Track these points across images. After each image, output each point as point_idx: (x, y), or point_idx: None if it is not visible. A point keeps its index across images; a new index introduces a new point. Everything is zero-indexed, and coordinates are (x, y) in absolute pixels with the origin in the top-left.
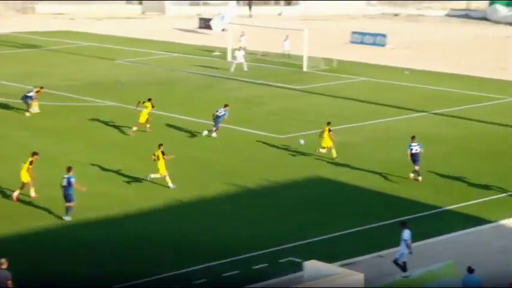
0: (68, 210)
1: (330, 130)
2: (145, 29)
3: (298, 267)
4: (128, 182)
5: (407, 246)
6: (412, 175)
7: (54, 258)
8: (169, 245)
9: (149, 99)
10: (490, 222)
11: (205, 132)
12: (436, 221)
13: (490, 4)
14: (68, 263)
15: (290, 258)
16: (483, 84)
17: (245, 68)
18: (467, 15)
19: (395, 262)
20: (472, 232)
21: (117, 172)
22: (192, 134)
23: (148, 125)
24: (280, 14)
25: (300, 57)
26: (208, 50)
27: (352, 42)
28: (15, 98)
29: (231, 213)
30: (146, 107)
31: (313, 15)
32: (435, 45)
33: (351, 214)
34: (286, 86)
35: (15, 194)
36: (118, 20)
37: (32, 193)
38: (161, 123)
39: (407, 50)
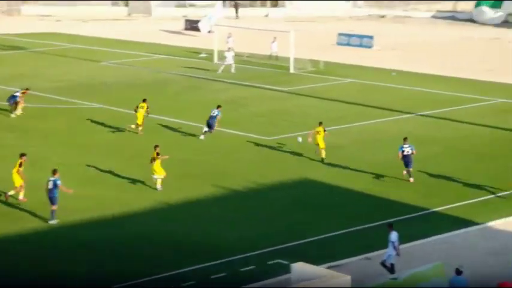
0: (53, 213)
1: (324, 130)
2: (131, 31)
3: (286, 269)
4: (116, 184)
5: (395, 248)
6: (405, 172)
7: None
8: (150, 247)
9: (144, 100)
10: (478, 223)
11: (201, 137)
12: (424, 223)
13: (476, 6)
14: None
15: (278, 260)
16: (470, 86)
17: (232, 70)
18: (453, 17)
19: (383, 264)
20: (460, 234)
21: (104, 174)
22: (180, 136)
23: (140, 128)
24: (266, 16)
25: (287, 59)
26: (195, 52)
27: (339, 43)
28: (0, 100)
29: (219, 215)
30: (142, 107)
31: (300, 16)
32: (422, 47)
33: (339, 216)
34: (273, 87)
35: (8, 193)
36: (104, 21)
37: (21, 196)
38: (148, 125)
39: (394, 52)
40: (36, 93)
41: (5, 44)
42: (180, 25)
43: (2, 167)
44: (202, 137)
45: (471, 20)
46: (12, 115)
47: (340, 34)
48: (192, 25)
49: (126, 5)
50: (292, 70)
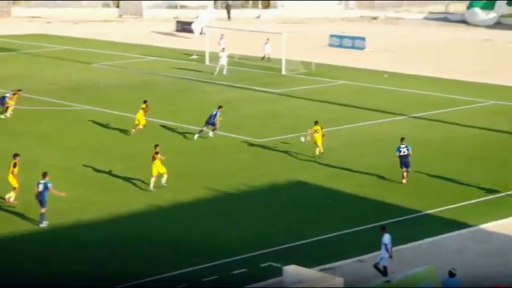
0: (43, 216)
1: (322, 128)
2: (122, 32)
3: (278, 272)
4: (112, 185)
5: (388, 250)
6: (405, 175)
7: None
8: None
9: (145, 101)
10: (470, 226)
11: (196, 135)
12: (416, 225)
13: (468, 7)
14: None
15: (270, 263)
16: (462, 88)
17: (225, 72)
18: (445, 19)
19: (376, 266)
20: (452, 236)
21: (100, 175)
22: (173, 138)
23: (133, 130)
24: (258, 17)
25: (279, 61)
26: (186, 54)
27: (331, 45)
28: None
29: (209, 217)
30: (142, 108)
31: (292, 18)
32: (414, 48)
33: (331, 218)
34: (264, 89)
35: (8, 196)
36: (95, 23)
37: (12, 198)
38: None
39: (386, 53)
40: (27, 95)
41: None
42: (172, 26)
43: None
44: (196, 136)
45: (463, 22)
46: (2, 116)
47: (332, 36)
48: (184, 26)
49: (117, 6)
50: (284, 72)
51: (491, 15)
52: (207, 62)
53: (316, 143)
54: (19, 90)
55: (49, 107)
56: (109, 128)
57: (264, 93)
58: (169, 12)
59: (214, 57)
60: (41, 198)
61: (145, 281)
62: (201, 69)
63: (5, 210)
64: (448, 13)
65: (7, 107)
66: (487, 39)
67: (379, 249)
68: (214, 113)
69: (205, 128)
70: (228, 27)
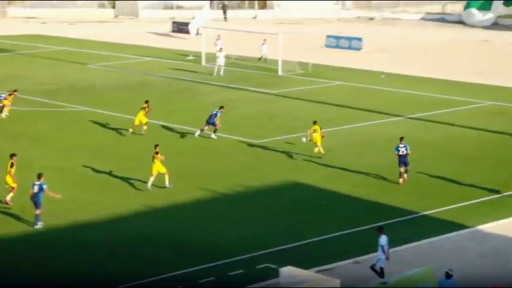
0: (37, 217)
1: (320, 128)
2: (118, 33)
3: (275, 274)
4: (110, 185)
5: (384, 251)
6: (405, 176)
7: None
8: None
9: (146, 101)
10: (467, 227)
11: (198, 132)
12: (413, 226)
13: (465, 8)
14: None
15: (266, 265)
16: (459, 88)
17: (221, 72)
18: (442, 19)
19: (373, 268)
20: (449, 237)
21: (97, 176)
22: (169, 138)
23: (131, 130)
24: (255, 18)
25: (275, 61)
26: (182, 54)
27: (327, 46)
28: None
29: (208, 218)
30: (143, 108)
31: (288, 18)
32: (411, 49)
33: (327, 219)
34: (261, 90)
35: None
36: (90, 24)
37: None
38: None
39: (383, 54)
40: (22, 96)
41: None
42: (168, 27)
43: None
44: (197, 133)
45: (460, 22)
46: None
47: (328, 36)
48: (180, 27)
49: (113, 6)
50: (280, 72)
51: (488, 16)
52: (204, 62)
53: (315, 142)
54: (15, 91)
55: (44, 108)
56: (105, 128)
57: (260, 93)
58: (165, 13)
59: (211, 58)
60: (35, 199)
61: (146, 281)
62: (197, 69)
63: (1, 212)
64: (445, 14)
65: (2, 107)
66: (484, 40)
67: (376, 250)
68: (215, 112)
69: (206, 128)
70: (224, 27)
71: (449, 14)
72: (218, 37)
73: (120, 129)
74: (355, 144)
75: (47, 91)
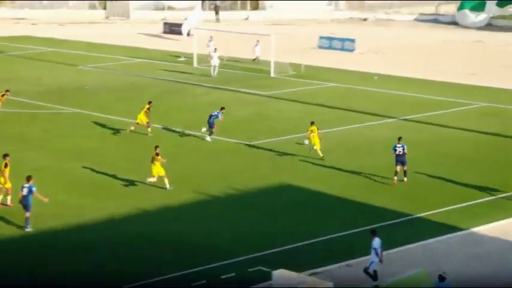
0: (27, 220)
1: (317, 128)
2: (109, 34)
3: (267, 277)
4: (101, 188)
5: (378, 254)
6: (405, 179)
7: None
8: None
9: (149, 102)
10: (461, 229)
11: (203, 129)
12: (407, 229)
13: (459, 9)
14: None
15: (259, 268)
16: (452, 90)
17: (215, 73)
18: (436, 20)
19: (366, 271)
20: (443, 239)
21: (88, 178)
22: (164, 140)
23: (132, 128)
24: (247, 19)
25: (268, 63)
26: (174, 56)
27: (320, 47)
28: None
29: (198, 222)
30: (144, 108)
31: (281, 19)
32: (404, 50)
33: (321, 222)
34: (253, 91)
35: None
36: (81, 25)
37: (8, 200)
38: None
39: (376, 55)
40: (12, 98)
41: None
42: (159, 28)
43: None
44: (204, 130)
45: (454, 23)
46: None
47: (321, 37)
48: (171, 28)
49: (104, 7)
50: (272, 74)
51: (482, 17)
52: (195, 64)
53: (314, 144)
54: (7, 91)
55: (34, 110)
56: (95, 130)
57: (253, 95)
58: (157, 14)
59: (203, 59)
60: (25, 202)
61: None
62: (189, 71)
63: (1, 212)
64: (439, 14)
65: None
66: (477, 41)
67: (369, 253)
68: (216, 114)
69: (204, 129)
70: (216, 28)
71: (443, 15)
72: (211, 38)
73: (111, 130)
74: (347, 146)
75: (36, 93)
